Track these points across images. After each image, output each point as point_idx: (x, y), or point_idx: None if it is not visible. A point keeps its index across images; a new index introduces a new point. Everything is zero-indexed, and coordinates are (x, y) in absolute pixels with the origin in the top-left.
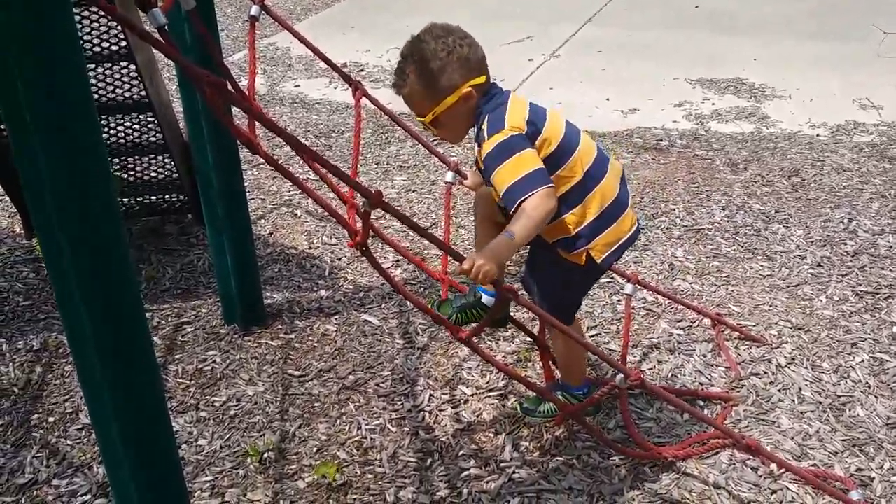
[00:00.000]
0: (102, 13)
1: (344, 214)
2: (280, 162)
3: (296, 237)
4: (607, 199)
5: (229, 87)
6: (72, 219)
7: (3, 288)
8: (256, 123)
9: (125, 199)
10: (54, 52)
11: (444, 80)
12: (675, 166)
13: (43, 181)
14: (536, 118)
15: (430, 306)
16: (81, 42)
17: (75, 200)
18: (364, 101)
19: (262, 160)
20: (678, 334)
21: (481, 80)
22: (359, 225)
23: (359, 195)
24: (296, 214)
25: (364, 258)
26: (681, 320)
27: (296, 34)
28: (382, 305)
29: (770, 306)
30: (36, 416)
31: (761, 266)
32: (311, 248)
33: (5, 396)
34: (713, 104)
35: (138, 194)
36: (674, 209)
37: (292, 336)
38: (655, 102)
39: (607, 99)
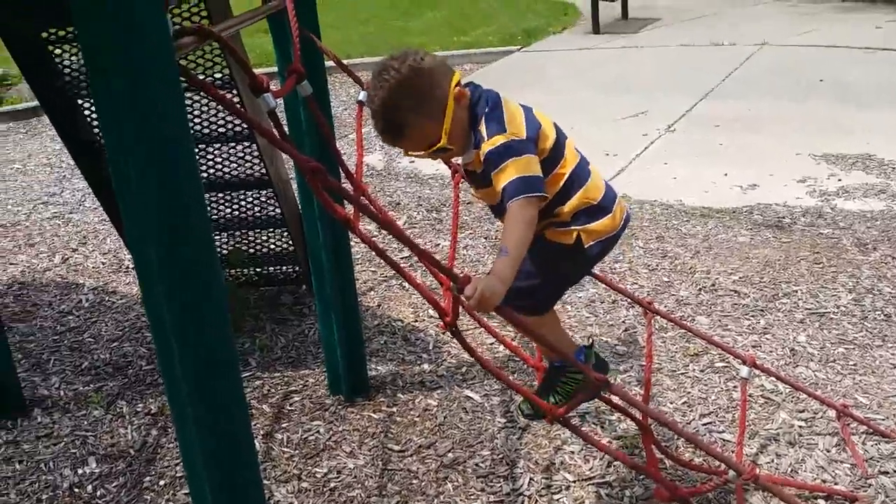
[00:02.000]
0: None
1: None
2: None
3: (403, 310)
4: (598, 193)
5: (339, 168)
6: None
7: (128, 352)
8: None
9: (245, 270)
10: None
11: (437, 93)
12: (798, 245)
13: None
14: (532, 121)
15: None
16: (209, 123)
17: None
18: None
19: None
20: (799, 426)
21: (457, 77)
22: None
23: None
24: (403, 287)
25: (463, 334)
26: (803, 410)
27: None
28: (485, 381)
29: None
30: (148, 478)
31: (892, 354)
32: (416, 321)
33: (122, 458)
34: (839, 180)
35: (257, 265)
36: (796, 291)
37: (394, 409)
38: (777, 178)
39: (725, 174)
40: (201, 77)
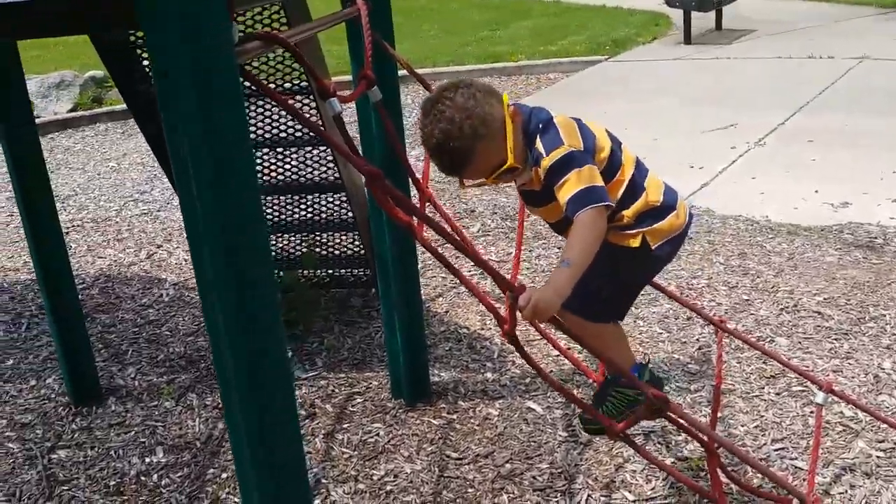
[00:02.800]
0: (306, 103)
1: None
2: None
3: (470, 317)
4: (659, 193)
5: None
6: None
7: (202, 346)
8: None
9: (317, 272)
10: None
11: (495, 114)
12: (890, 267)
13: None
14: (587, 132)
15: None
16: (286, 128)
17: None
18: None
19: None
20: (878, 456)
21: (506, 98)
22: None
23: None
24: (471, 295)
25: (531, 342)
26: (882, 441)
27: None
28: (548, 394)
29: None
30: (212, 470)
31: None
32: (483, 328)
33: (188, 449)
34: None
35: (329, 267)
36: (884, 315)
37: (454, 416)
38: (871, 197)
39: (816, 191)
40: (283, 83)
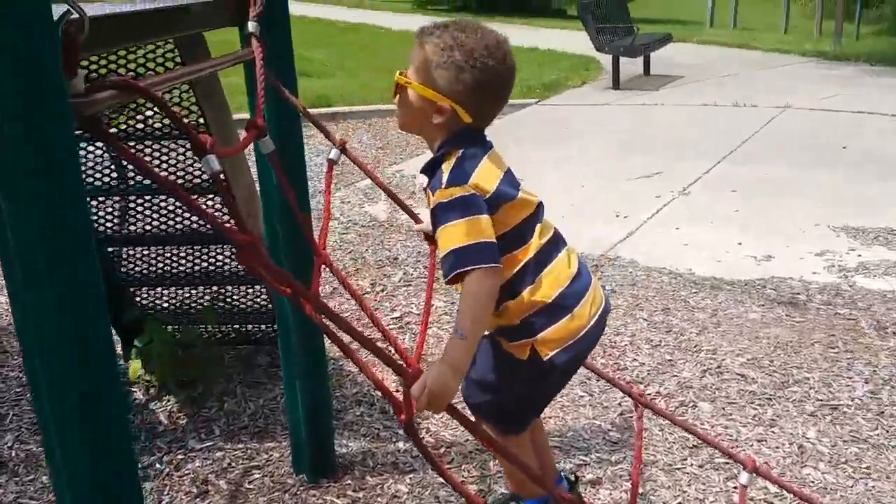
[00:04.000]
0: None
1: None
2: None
3: (385, 376)
4: (560, 284)
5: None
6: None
7: None
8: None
9: (221, 327)
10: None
11: (438, 73)
12: (813, 326)
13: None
14: (508, 186)
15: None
16: (185, 174)
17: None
18: None
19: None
20: None
21: (467, 118)
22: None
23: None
24: (390, 350)
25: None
26: None
27: (374, 178)
28: (462, 466)
29: None
30: None
31: None
32: (398, 391)
33: None
34: (860, 255)
35: (233, 322)
36: (808, 378)
37: (360, 495)
38: (793, 250)
39: (739, 243)
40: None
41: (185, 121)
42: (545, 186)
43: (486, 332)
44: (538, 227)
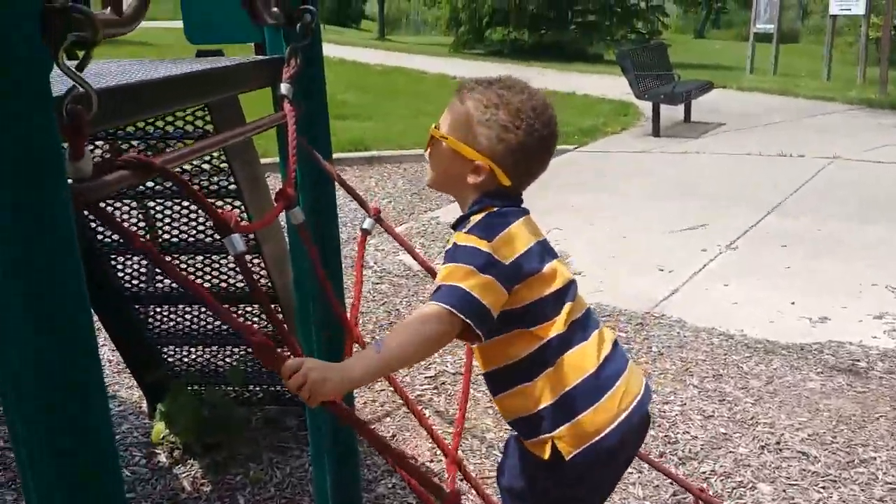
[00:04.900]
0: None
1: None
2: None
3: (420, 444)
4: (585, 370)
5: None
6: None
7: None
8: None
9: (248, 387)
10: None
11: (479, 131)
12: (876, 397)
13: None
14: (534, 258)
15: None
16: (213, 232)
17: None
18: None
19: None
20: None
21: (505, 180)
22: None
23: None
24: (425, 413)
25: None
26: None
27: (407, 246)
28: None
29: None
30: None
31: None
32: (433, 460)
33: None
34: None
35: (262, 382)
36: (874, 458)
37: None
38: (851, 311)
39: (792, 302)
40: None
41: (215, 178)
42: (583, 235)
43: (510, 432)
44: (568, 305)
